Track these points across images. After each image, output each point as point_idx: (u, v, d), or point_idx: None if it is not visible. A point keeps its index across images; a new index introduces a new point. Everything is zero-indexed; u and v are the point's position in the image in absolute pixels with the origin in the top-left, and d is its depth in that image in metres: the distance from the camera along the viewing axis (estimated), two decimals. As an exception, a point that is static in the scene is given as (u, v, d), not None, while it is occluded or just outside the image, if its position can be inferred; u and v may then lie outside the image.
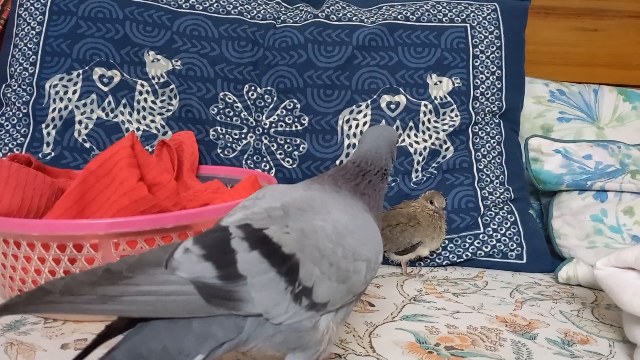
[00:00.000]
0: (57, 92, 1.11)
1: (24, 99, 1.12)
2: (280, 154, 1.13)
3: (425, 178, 1.13)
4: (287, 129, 1.13)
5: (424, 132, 1.14)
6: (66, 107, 1.11)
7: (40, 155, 1.09)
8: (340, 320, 0.56)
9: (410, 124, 1.14)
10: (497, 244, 1.08)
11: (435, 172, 1.13)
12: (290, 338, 0.53)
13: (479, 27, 1.20)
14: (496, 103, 1.17)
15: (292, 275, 0.51)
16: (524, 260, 1.07)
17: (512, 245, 1.08)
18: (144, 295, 0.47)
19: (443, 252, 1.07)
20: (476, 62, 1.18)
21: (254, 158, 1.13)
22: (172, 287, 0.47)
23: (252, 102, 1.14)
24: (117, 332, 0.50)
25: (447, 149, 1.15)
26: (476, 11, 1.21)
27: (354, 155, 0.65)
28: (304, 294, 0.51)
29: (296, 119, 1.13)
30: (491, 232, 1.08)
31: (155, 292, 0.47)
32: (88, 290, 0.45)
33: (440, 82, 1.16)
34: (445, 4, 1.22)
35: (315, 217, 0.54)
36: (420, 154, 1.14)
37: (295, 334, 0.52)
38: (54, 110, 1.11)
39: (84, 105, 1.11)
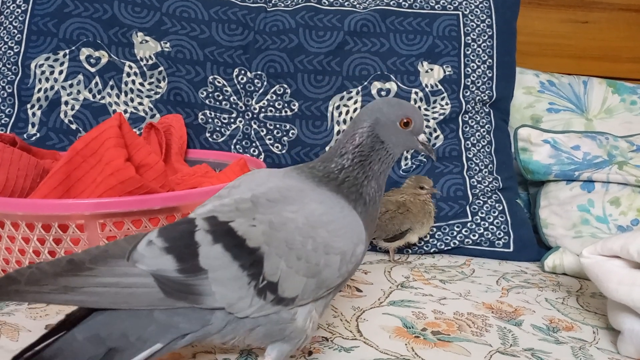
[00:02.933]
0: (42, 72, 1.09)
1: (8, 79, 1.10)
2: (270, 139, 1.12)
3: (414, 166, 1.13)
4: (277, 114, 1.12)
5: (414, 120, 1.14)
6: (52, 87, 1.09)
7: (25, 136, 1.07)
8: (322, 308, 0.55)
9: (401, 111, 1.13)
10: (485, 233, 1.08)
11: (425, 160, 1.13)
12: (272, 331, 0.52)
13: (471, 16, 1.20)
14: (487, 92, 1.18)
15: (256, 270, 0.50)
16: (511, 249, 1.08)
17: (499, 234, 1.08)
18: (104, 287, 0.47)
19: (431, 240, 1.08)
20: (467, 50, 1.18)
21: (243, 143, 1.12)
22: (132, 279, 0.47)
23: (241, 86, 1.12)
24: (79, 320, 0.49)
25: (436, 137, 1.14)
26: (468, -1, 1.21)
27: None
28: (269, 288, 0.50)
29: (286, 104, 1.13)
30: (479, 221, 1.09)
31: (116, 284, 0.47)
32: (51, 281, 0.46)
33: (432, 69, 1.15)
34: (437, -8, 1.21)
35: (285, 209, 0.52)
36: (410, 142, 1.13)
37: (276, 326, 0.52)
38: (39, 90, 1.09)
39: (71, 86, 1.09)
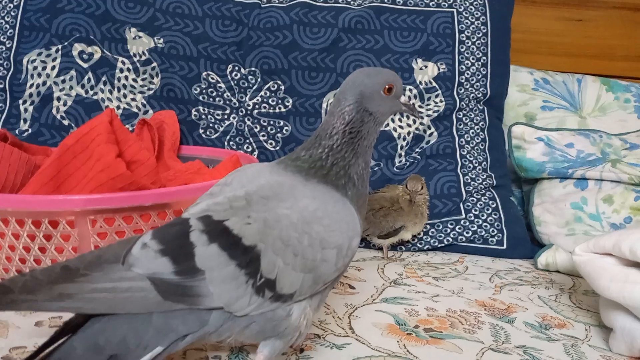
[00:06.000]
0: (35, 68, 1.09)
1: (0, 74, 1.09)
2: (263, 135, 1.12)
3: (408, 163, 1.13)
4: (271, 111, 1.12)
5: (408, 117, 1.14)
6: (44, 83, 1.08)
7: (16, 131, 1.06)
8: (316, 305, 0.55)
9: (395, 108, 1.13)
10: (478, 230, 1.08)
11: (419, 157, 1.13)
12: (267, 328, 0.52)
13: (466, 13, 1.19)
14: (481, 90, 1.17)
15: (253, 268, 0.49)
16: (504, 246, 1.08)
17: (492, 231, 1.08)
18: (100, 293, 0.46)
19: (424, 237, 1.07)
20: (462, 47, 1.18)
21: (237, 139, 1.11)
22: (128, 283, 0.47)
23: (235, 82, 1.12)
24: (76, 328, 0.49)
25: (430, 135, 1.14)
26: (463, -3, 1.21)
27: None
28: (267, 286, 0.50)
29: (280, 101, 1.12)
30: (472, 218, 1.09)
31: (112, 290, 0.46)
32: (46, 289, 0.45)
33: (426, 67, 1.15)
34: (432, -11, 1.21)
35: (279, 205, 0.52)
36: (404, 139, 1.13)
37: (270, 323, 0.52)
38: (31, 86, 1.08)
39: (63, 81, 1.09)
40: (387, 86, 0.59)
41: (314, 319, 0.70)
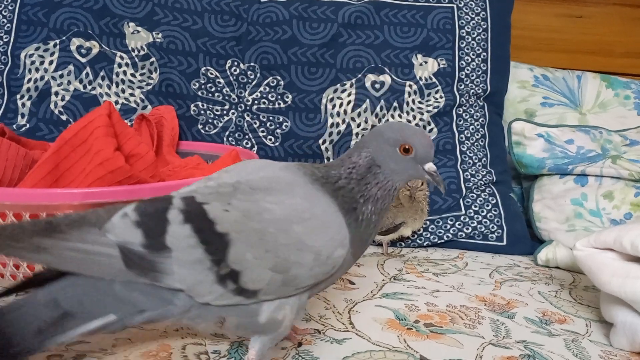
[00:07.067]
0: (32, 62, 1.08)
1: (-2, 69, 1.08)
2: (263, 131, 1.11)
3: (408, 159, 1.12)
4: (270, 107, 1.11)
5: (408, 113, 1.13)
6: (42, 77, 1.08)
7: (14, 126, 1.06)
8: (296, 308, 0.53)
9: (395, 104, 1.13)
10: (478, 226, 1.08)
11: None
12: (244, 323, 0.52)
13: (466, 9, 1.19)
14: (481, 85, 1.17)
15: (220, 256, 0.49)
16: (504, 243, 1.08)
17: (492, 227, 1.08)
18: (71, 252, 0.47)
19: (424, 233, 1.07)
20: (462, 43, 1.17)
21: (236, 135, 1.11)
22: (99, 248, 0.48)
23: (234, 77, 1.11)
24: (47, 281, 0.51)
25: (431, 131, 1.14)
26: (463, -8, 1.20)
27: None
28: (230, 277, 0.49)
29: (279, 97, 1.12)
30: (472, 214, 1.09)
31: (83, 251, 0.48)
32: (27, 239, 0.47)
33: (426, 62, 1.15)
34: (432, -16, 1.20)
35: (265, 198, 0.51)
36: (404, 135, 1.13)
37: (245, 319, 0.51)
38: (29, 80, 1.08)
39: (61, 76, 1.08)
40: (404, 145, 0.55)
41: (313, 314, 0.70)
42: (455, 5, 1.19)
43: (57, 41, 1.09)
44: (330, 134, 1.11)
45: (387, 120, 1.12)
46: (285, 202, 0.51)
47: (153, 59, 1.10)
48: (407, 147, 0.55)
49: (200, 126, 1.11)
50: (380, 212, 0.56)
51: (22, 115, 1.07)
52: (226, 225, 0.49)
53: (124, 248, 0.48)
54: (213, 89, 1.11)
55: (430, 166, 0.57)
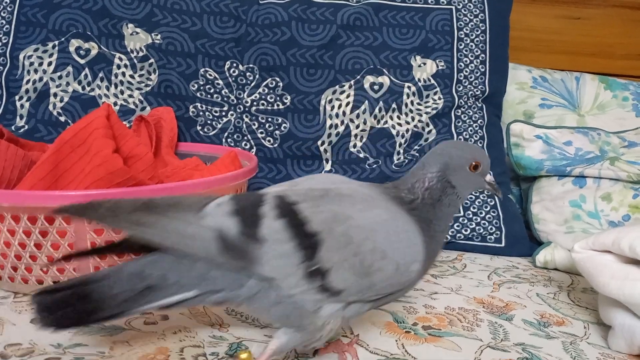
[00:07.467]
0: (31, 64, 1.08)
1: (-4, 70, 1.08)
2: (262, 132, 1.11)
3: (407, 160, 1.12)
4: (269, 108, 1.11)
5: (406, 114, 1.13)
6: (41, 79, 1.07)
7: (13, 128, 1.05)
8: (348, 316, 0.55)
9: (394, 105, 1.13)
10: (477, 228, 1.08)
11: (417, 154, 1.13)
12: (292, 314, 0.53)
13: (464, 10, 1.19)
14: (479, 87, 1.17)
15: (310, 253, 0.51)
16: (503, 244, 1.08)
17: (491, 229, 1.08)
18: (171, 229, 0.50)
19: (423, 235, 1.07)
20: (461, 45, 1.17)
21: (235, 136, 1.11)
22: (197, 228, 0.51)
23: (233, 79, 1.11)
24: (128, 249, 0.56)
25: (429, 132, 1.14)
26: (462, -6, 1.20)
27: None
28: (319, 274, 0.51)
29: (278, 98, 1.12)
30: (471, 216, 1.09)
31: (182, 229, 0.50)
32: (126, 215, 0.50)
33: (424, 64, 1.15)
34: (431, -14, 1.21)
35: (353, 206, 0.54)
36: (403, 137, 1.13)
37: (296, 311, 0.53)
38: (28, 82, 1.07)
39: (60, 77, 1.08)
40: (473, 163, 0.60)
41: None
42: (453, 7, 1.19)
43: (56, 42, 1.09)
44: (329, 135, 1.11)
45: (386, 121, 1.12)
46: (370, 212, 0.54)
47: (152, 60, 1.10)
48: (476, 164, 0.60)
49: (199, 127, 1.11)
50: (446, 229, 0.60)
51: (21, 117, 1.07)
52: (317, 224, 0.52)
53: (220, 233, 0.50)
54: (212, 90, 1.11)
55: (489, 177, 0.63)
